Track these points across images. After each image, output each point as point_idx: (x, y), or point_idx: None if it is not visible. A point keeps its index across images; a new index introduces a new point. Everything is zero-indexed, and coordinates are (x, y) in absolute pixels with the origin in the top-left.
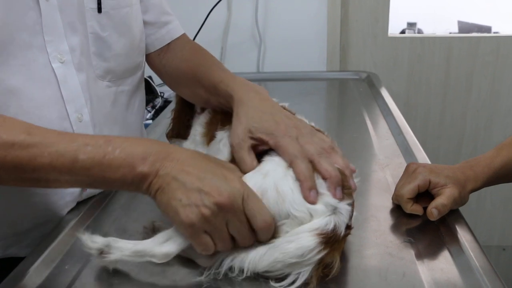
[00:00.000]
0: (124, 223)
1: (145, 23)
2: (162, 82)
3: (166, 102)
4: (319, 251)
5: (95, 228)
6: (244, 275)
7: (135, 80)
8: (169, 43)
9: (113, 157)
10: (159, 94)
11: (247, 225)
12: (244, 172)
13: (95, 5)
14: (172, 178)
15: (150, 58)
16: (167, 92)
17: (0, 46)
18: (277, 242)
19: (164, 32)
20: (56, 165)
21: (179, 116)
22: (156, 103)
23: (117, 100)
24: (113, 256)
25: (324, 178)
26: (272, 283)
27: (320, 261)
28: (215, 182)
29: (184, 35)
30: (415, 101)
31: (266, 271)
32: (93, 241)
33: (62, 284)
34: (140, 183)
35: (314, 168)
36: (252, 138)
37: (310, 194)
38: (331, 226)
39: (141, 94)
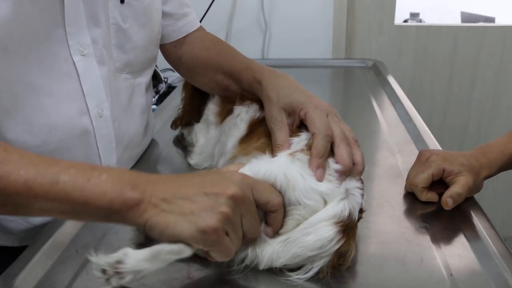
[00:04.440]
0: None
1: (164, 14)
2: (165, 67)
3: (170, 88)
4: (338, 241)
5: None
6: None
7: (150, 71)
8: (186, 35)
9: (99, 181)
10: (163, 79)
11: (257, 216)
12: (276, 150)
13: None
14: (172, 197)
15: (165, 49)
16: (170, 77)
17: (21, 40)
18: (293, 235)
19: (181, 24)
20: (32, 186)
21: (190, 103)
22: (159, 88)
23: (134, 93)
24: (128, 266)
25: (336, 162)
26: (288, 273)
27: (336, 251)
28: (217, 181)
29: (201, 27)
30: (420, 90)
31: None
32: (105, 260)
33: (74, 266)
34: (129, 211)
35: (332, 148)
36: (288, 114)
37: (317, 172)
38: (346, 212)
39: (151, 84)
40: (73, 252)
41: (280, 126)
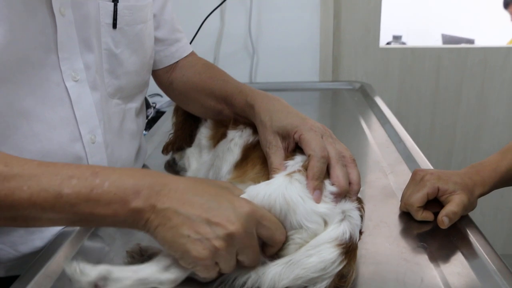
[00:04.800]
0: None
1: (156, 39)
2: (153, 93)
3: (159, 113)
4: (340, 263)
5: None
6: None
7: (142, 97)
8: (178, 61)
9: (102, 191)
10: (151, 104)
11: (258, 248)
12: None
13: (110, 21)
14: (173, 213)
15: (157, 74)
16: (159, 103)
17: (13, 65)
18: (295, 257)
19: (173, 49)
20: (37, 201)
21: (182, 128)
22: (148, 113)
23: (125, 118)
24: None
25: (332, 184)
26: None
27: (338, 272)
28: (223, 210)
29: (192, 52)
30: (406, 111)
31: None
32: (84, 273)
33: None
34: (135, 220)
35: (328, 170)
36: (282, 138)
37: (314, 194)
38: (347, 235)
39: (144, 109)
40: (66, 282)
41: (275, 150)
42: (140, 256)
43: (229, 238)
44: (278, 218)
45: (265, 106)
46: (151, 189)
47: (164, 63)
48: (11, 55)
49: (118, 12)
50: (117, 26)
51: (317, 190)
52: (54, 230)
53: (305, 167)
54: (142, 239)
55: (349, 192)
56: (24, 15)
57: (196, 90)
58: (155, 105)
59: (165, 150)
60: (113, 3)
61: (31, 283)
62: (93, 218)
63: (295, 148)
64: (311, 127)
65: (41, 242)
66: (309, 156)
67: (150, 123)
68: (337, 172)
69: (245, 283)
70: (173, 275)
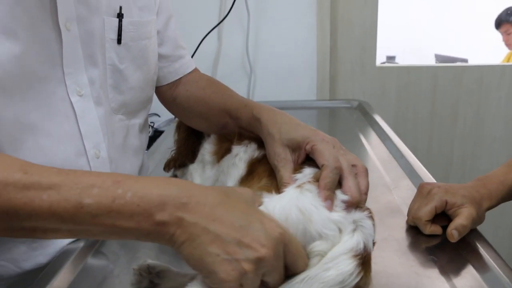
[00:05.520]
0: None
1: (159, 56)
2: (151, 112)
3: (157, 132)
4: (358, 274)
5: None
6: None
7: (145, 113)
8: (181, 77)
9: (124, 202)
10: (149, 123)
11: (283, 270)
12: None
13: (115, 36)
14: (202, 229)
15: (160, 91)
16: (157, 122)
17: (19, 79)
18: (311, 272)
19: (177, 66)
20: (57, 211)
21: (184, 144)
22: None
23: (128, 134)
24: None
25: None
26: None
27: (355, 285)
28: (254, 231)
29: (196, 69)
30: (403, 129)
31: None
32: None
33: None
34: (159, 234)
35: (339, 181)
36: (292, 150)
37: (325, 203)
38: (362, 245)
39: (147, 126)
40: None
41: (284, 163)
42: (148, 273)
43: (259, 261)
44: (296, 232)
45: (272, 118)
46: (177, 200)
47: (168, 79)
48: (18, 68)
49: (122, 28)
50: (122, 41)
51: (328, 200)
52: (57, 246)
53: (316, 178)
54: (148, 255)
55: (359, 202)
56: (31, 29)
57: (200, 104)
58: (153, 125)
59: (167, 167)
60: (118, 19)
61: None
62: (115, 230)
63: (305, 160)
64: (323, 138)
65: (44, 259)
66: (322, 166)
67: (149, 142)
68: (349, 183)
69: None
70: None
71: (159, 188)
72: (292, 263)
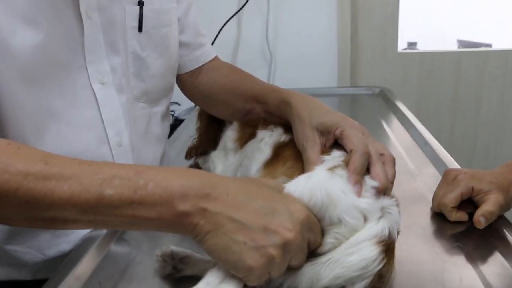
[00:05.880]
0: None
1: (180, 43)
2: (171, 101)
3: (177, 121)
4: (380, 261)
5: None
6: None
7: (167, 101)
8: (202, 65)
9: (146, 192)
10: (170, 112)
11: (306, 251)
12: (309, 169)
13: (136, 24)
14: (227, 218)
15: (181, 79)
16: (177, 111)
17: (42, 67)
18: (334, 255)
19: (198, 54)
20: (78, 202)
21: (206, 132)
22: None
23: (151, 122)
24: None
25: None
26: None
27: (377, 271)
28: (279, 216)
29: (216, 57)
30: (425, 117)
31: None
32: None
33: None
34: (181, 225)
35: (367, 168)
36: (321, 134)
37: (354, 187)
38: (386, 232)
39: (169, 114)
40: (96, 285)
41: (312, 145)
42: (172, 260)
43: (286, 246)
44: (317, 213)
45: (303, 102)
46: (200, 191)
47: (189, 68)
48: (40, 56)
49: (143, 15)
50: (143, 29)
51: (358, 184)
52: (80, 233)
53: (346, 162)
54: (171, 242)
55: (386, 189)
56: (53, 17)
57: (223, 92)
58: (174, 113)
59: (188, 155)
60: (138, 7)
61: (61, 284)
62: (136, 221)
63: (332, 145)
64: (353, 124)
65: (68, 246)
66: (351, 151)
67: (170, 131)
68: (377, 169)
69: (281, 284)
70: None
71: (181, 178)
72: (313, 242)
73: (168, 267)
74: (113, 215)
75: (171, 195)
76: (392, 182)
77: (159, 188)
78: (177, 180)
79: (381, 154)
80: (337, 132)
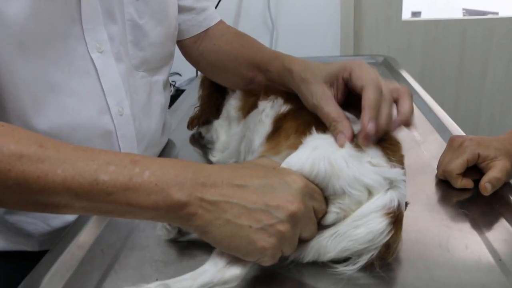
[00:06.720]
0: None
1: (182, 8)
2: (172, 71)
3: (178, 91)
4: (388, 233)
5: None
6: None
7: (168, 69)
8: (206, 30)
9: (141, 180)
10: (171, 83)
11: (315, 221)
12: (335, 126)
13: None
14: (226, 204)
15: (185, 45)
16: (178, 81)
17: (38, 37)
18: (341, 228)
19: (201, 18)
20: (71, 186)
21: (209, 101)
22: None
23: (152, 91)
24: None
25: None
26: (333, 265)
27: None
28: (278, 191)
29: (221, 21)
30: (429, 86)
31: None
32: None
33: (101, 266)
34: (177, 215)
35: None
36: (329, 86)
37: (368, 124)
38: (395, 203)
39: (169, 82)
40: (98, 252)
41: (325, 100)
42: (173, 228)
43: (292, 218)
44: (319, 183)
45: (303, 66)
46: (195, 180)
47: (192, 32)
48: (36, 25)
49: None
50: None
51: (372, 121)
52: None
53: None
54: None
55: (388, 131)
56: None
57: (227, 58)
58: (175, 83)
59: (190, 125)
60: None
61: (64, 252)
62: (131, 209)
63: (343, 97)
64: (360, 63)
65: (72, 216)
66: (362, 87)
67: (170, 101)
68: (382, 108)
69: (287, 257)
70: (238, 270)
71: (176, 169)
72: (316, 209)
73: (173, 231)
74: (106, 201)
75: (167, 184)
76: (407, 116)
77: (154, 177)
78: (172, 170)
79: (395, 89)
80: (345, 75)
